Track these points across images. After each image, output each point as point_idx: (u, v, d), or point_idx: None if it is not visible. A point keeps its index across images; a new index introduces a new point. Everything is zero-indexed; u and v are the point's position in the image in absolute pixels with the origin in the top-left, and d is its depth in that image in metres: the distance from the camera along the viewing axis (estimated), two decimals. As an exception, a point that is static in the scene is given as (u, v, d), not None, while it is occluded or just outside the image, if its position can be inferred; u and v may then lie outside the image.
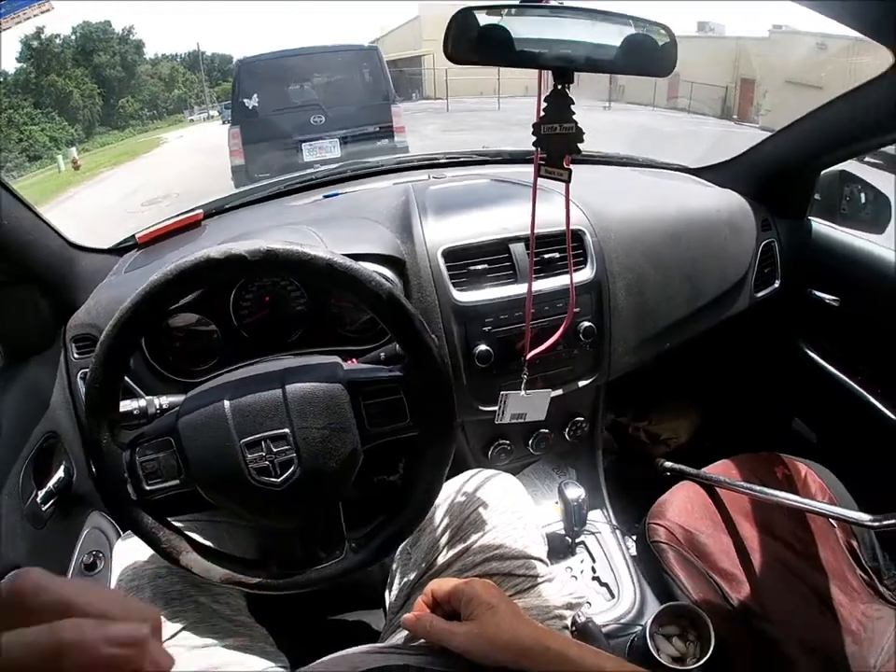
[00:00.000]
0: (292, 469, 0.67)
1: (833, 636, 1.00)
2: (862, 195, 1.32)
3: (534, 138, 0.79)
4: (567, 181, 0.79)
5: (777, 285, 1.39)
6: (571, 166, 0.79)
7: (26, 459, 0.91)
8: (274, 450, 0.66)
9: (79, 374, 1.03)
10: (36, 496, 0.92)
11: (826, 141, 1.22)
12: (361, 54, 5.86)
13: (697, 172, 1.49)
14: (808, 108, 1.17)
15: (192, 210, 1.22)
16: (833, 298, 1.36)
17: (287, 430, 0.67)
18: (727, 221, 1.28)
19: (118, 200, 9.16)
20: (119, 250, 1.24)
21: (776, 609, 1.02)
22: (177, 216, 1.21)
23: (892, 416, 1.25)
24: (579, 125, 0.77)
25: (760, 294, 1.36)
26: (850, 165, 1.34)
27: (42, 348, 1.03)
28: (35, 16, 1.04)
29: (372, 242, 0.99)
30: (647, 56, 0.75)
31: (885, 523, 0.96)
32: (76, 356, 1.03)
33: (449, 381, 0.70)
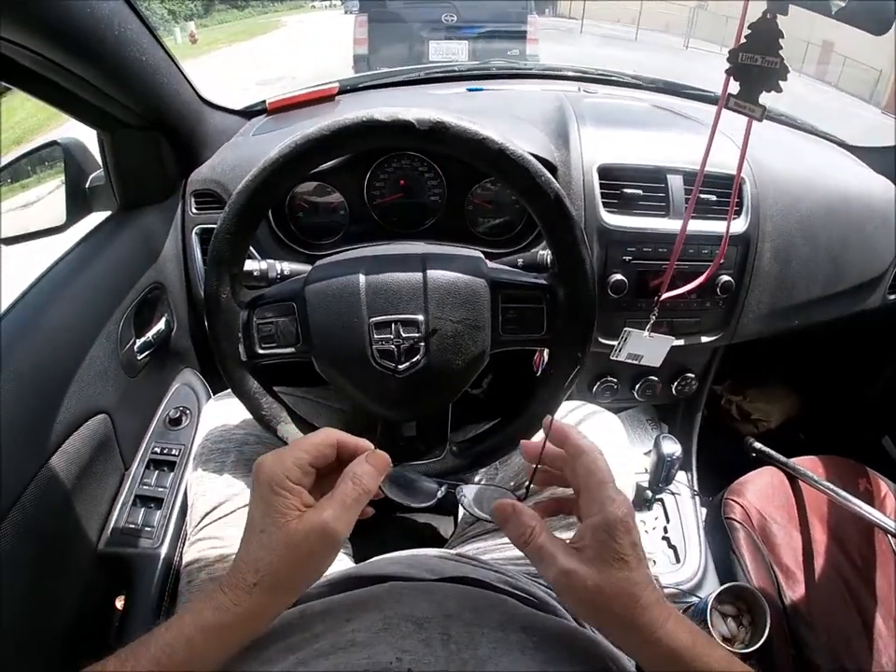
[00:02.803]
0: (417, 358, 0.64)
1: (865, 664, 0.98)
2: None
3: (726, 66, 0.72)
4: (759, 119, 0.72)
5: (911, 292, 1.28)
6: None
7: (129, 306, 0.92)
8: (403, 335, 0.64)
9: (195, 229, 1.02)
10: (134, 344, 0.93)
11: None
12: None
13: (855, 150, 1.36)
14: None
15: (327, 84, 1.17)
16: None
17: (420, 317, 0.64)
18: (882, 211, 1.17)
19: (232, 75, 9.16)
20: (248, 113, 1.21)
21: (822, 619, 1.01)
22: (310, 87, 1.17)
23: None
24: (785, 62, 0.69)
25: (893, 297, 1.25)
26: None
27: (160, 198, 1.02)
28: None
29: (526, 140, 0.93)
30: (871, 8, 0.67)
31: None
32: (194, 210, 1.02)
33: (595, 299, 0.65)
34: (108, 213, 1.00)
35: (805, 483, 1.13)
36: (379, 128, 0.60)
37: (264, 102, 1.18)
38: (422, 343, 0.64)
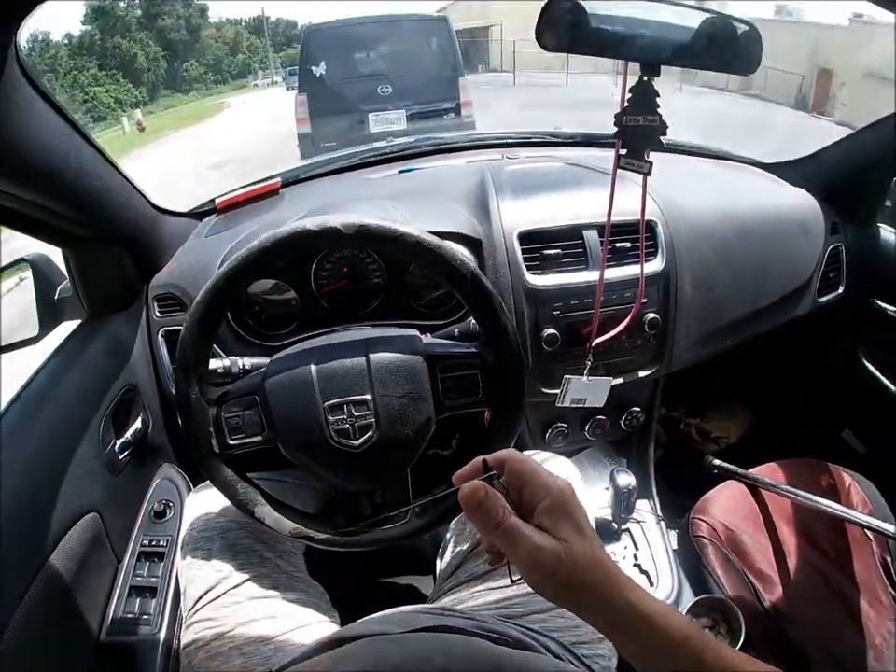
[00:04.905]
0: (370, 433, 0.71)
1: (857, 648, 1.00)
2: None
3: (613, 127, 0.81)
4: (648, 174, 0.81)
5: (840, 291, 1.36)
6: (651, 158, 0.80)
7: (107, 410, 0.96)
8: (355, 414, 0.70)
9: (160, 332, 1.08)
10: (114, 445, 0.97)
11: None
12: (430, 24, 5.70)
13: (770, 168, 1.45)
14: (888, 104, 1.13)
15: (270, 178, 1.25)
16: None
17: (368, 396, 0.71)
18: (798, 222, 1.26)
19: (183, 162, 9.33)
20: (198, 214, 1.28)
21: (805, 614, 1.03)
22: (255, 183, 1.25)
23: None
24: (663, 118, 0.79)
25: (823, 299, 1.33)
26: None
27: (125, 305, 1.08)
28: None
29: (450, 220, 1.01)
30: (730, 50, 0.76)
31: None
32: (157, 314, 1.08)
33: (521, 361, 0.73)
34: (78, 321, 1.05)
35: (768, 490, 1.15)
36: (311, 237, 0.69)
37: (213, 201, 1.26)
38: (373, 419, 0.71)
